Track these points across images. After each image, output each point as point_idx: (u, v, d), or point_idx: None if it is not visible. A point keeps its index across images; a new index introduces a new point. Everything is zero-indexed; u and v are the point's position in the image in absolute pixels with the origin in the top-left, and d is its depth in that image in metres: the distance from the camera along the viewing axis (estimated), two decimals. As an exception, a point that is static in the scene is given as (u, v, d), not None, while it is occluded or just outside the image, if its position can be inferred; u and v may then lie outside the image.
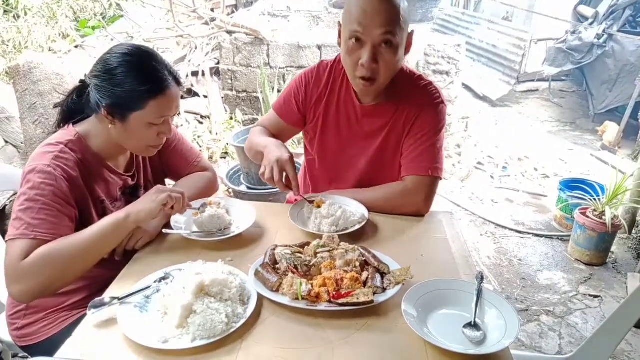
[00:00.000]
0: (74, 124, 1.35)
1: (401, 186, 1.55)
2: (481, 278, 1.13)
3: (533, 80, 6.18)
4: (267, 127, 1.71)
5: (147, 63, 1.27)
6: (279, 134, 1.70)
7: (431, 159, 1.52)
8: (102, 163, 1.36)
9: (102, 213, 1.33)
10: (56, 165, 1.22)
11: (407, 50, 1.46)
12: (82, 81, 1.35)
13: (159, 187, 1.29)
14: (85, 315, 1.05)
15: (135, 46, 1.31)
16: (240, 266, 1.21)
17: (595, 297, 2.65)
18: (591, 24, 5.28)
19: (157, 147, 1.39)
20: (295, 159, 1.47)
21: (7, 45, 4.62)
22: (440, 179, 1.56)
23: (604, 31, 4.97)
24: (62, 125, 1.37)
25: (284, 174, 1.40)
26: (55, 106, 1.41)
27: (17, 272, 1.12)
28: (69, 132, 1.31)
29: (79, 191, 1.28)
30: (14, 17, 5.01)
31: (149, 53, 1.30)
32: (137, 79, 1.24)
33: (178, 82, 1.33)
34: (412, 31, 1.46)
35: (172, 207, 1.28)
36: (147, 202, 1.25)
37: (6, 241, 1.15)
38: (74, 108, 1.37)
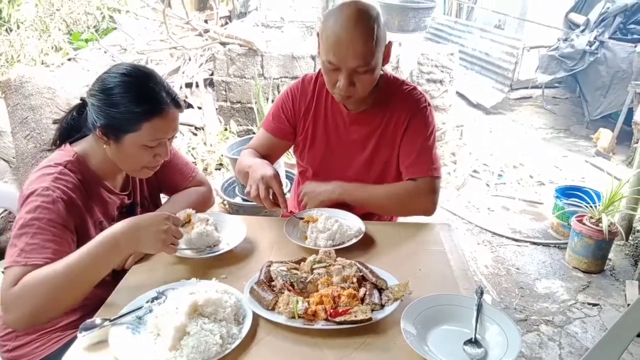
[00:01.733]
0: (70, 142, 1.32)
1: (411, 185, 1.56)
2: (481, 293, 1.11)
3: (526, 88, 6.21)
4: (256, 149, 1.72)
5: (143, 84, 1.24)
6: (270, 152, 1.71)
7: (430, 160, 1.56)
8: (100, 183, 1.34)
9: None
10: (55, 187, 1.18)
11: (385, 61, 1.48)
12: (82, 99, 1.32)
13: (167, 224, 1.17)
14: (78, 336, 1.02)
15: (134, 66, 1.28)
16: (235, 283, 1.18)
17: (594, 305, 2.63)
18: (582, 31, 5.32)
19: (153, 169, 1.36)
20: (290, 170, 1.47)
21: (-1, 59, 4.60)
22: (440, 177, 1.60)
23: (595, 38, 5.00)
24: (58, 143, 1.34)
25: (271, 191, 1.41)
26: (55, 122, 1.39)
27: (6, 301, 1.08)
28: (67, 153, 1.28)
29: (78, 213, 1.24)
30: (6, 30, 4.99)
31: (146, 73, 1.27)
32: (132, 100, 1.21)
33: (177, 104, 1.29)
34: (390, 42, 1.47)
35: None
36: (153, 237, 1.15)
37: (4, 269, 1.11)
38: (73, 125, 1.35)
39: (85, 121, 1.29)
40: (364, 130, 1.60)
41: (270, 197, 1.41)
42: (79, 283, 1.11)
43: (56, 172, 1.22)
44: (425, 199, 1.55)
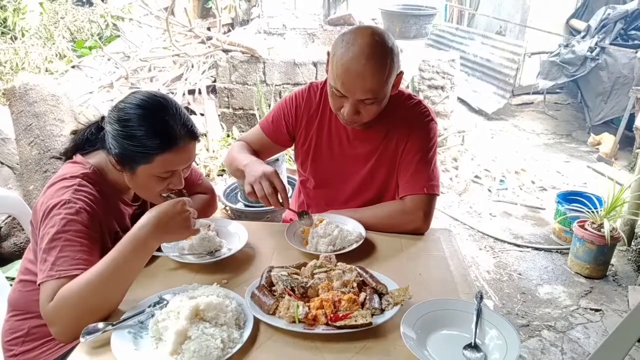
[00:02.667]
0: (82, 154, 1.33)
1: (399, 205, 1.55)
2: (480, 297, 1.12)
3: (528, 94, 6.22)
4: (249, 143, 1.71)
5: (158, 116, 1.23)
6: (262, 151, 1.71)
7: (426, 177, 1.53)
8: (116, 195, 1.35)
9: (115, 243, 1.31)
10: (77, 199, 1.19)
11: (394, 90, 1.46)
12: (102, 117, 1.33)
13: (187, 210, 1.17)
14: (83, 342, 1.03)
15: (151, 96, 1.26)
16: (237, 288, 1.19)
17: (597, 310, 2.62)
18: (583, 37, 5.34)
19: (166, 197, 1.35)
20: (292, 176, 1.47)
21: (4, 67, 4.64)
22: (437, 195, 1.56)
23: (596, 44, 5.02)
24: (69, 154, 1.34)
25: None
26: (72, 133, 1.39)
27: (46, 316, 1.07)
28: (82, 165, 1.28)
29: (99, 224, 1.25)
30: (11, 38, 5.04)
31: (162, 105, 1.25)
32: (145, 134, 1.20)
33: (193, 135, 1.28)
34: (401, 72, 1.44)
35: None
36: (180, 227, 1.15)
37: (38, 285, 1.12)
38: (89, 139, 1.35)
39: (103, 140, 1.29)
40: (367, 145, 1.59)
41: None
42: (114, 287, 1.11)
43: (75, 184, 1.21)
44: (416, 218, 1.51)
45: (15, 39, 4.99)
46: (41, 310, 1.09)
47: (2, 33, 5.10)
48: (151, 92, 1.29)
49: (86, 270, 1.10)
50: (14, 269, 2.37)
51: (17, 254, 2.54)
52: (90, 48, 5.51)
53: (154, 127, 1.21)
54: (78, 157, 1.31)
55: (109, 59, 4.86)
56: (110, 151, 1.25)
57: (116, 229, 1.34)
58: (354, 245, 1.38)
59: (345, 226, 1.45)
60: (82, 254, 1.13)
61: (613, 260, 2.97)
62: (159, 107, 1.24)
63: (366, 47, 1.31)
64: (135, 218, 1.41)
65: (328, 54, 1.43)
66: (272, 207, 1.40)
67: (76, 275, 1.09)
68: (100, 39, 5.47)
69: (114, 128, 1.24)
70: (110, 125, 1.25)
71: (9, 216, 2.57)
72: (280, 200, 1.39)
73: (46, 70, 4.70)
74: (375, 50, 1.31)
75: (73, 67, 4.93)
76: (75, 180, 1.22)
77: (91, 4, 5.74)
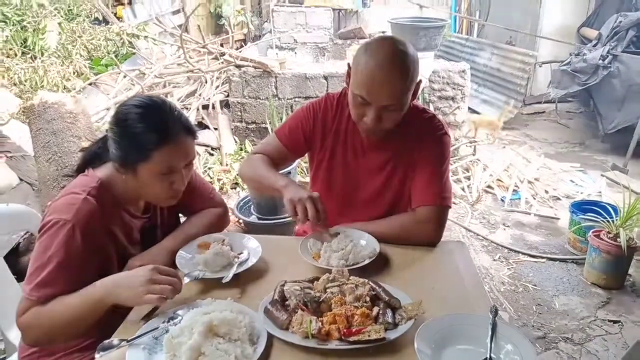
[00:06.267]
0: (93, 167, 1.37)
1: (411, 216, 1.57)
2: (495, 312, 1.11)
3: (539, 103, 6.18)
4: (267, 155, 1.71)
5: (153, 114, 1.28)
6: (281, 161, 1.73)
7: (439, 188, 1.54)
8: (123, 208, 1.38)
9: (123, 258, 1.34)
10: (78, 220, 1.22)
11: (413, 97, 1.49)
12: (107, 130, 1.38)
13: (150, 274, 1.15)
14: (98, 356, 1.05)
15: (147, 98, 1.33)
16: (250, 303, 1.20)
17: (615, 322, 2.58)
18: (595, 45, 5.30)
19: (174, 198, 1.38)
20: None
21: (25, 85, 4.77)
22: (449, 207, 1.57)
23: (608, 52, 4.98)
24: (81, 169, 1.39)
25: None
26: (81, 150, 1.44)
27: (19, 327, 1.22)
28: (91, 179, 1.32)
29: (101, 242, 1.28)
30: (31, 57, 5.19)
31: (157, 103, 1.31)
32: (142, 130, 1.25)
33: (190, 132, 1.33)
34: (420, 80, 1.48)
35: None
36: (132, 291, 1.14)
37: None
38: (97, 154, 1.40)
39: (109, 151, 1.33)
40: (382, 156, 1.61)
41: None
42: (73, 327, 1.21)
43: (79, 200, 1.24)
44: (428, 229, 1.53)
45: (35, 58, 5.13)
46: (16, 318, 1.21)
47: (23, 53, 5.24)
48: (148, 95, 1.34)
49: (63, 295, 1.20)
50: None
51: (35, 269, 2.58)
52: (106, 65, 5.63)
53: (150, 123, 1.26)
54: (89, 171, 1.36)
55: (125, 76, 4.96)
56: (113, 156, 1.29)
57: (124, 243, 1.36)
58: (367, 261, 1.37)
59: (359, 241, 1.45)
60: (64, 281, 1.19)
61: (631, 270, 2.92)
62: (154, 105, 1.30)
63: (390, 55, 1.37)
64: (145, 230, 1.44)
65: (349, 65, 1.47)
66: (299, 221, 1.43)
67: (50, 301, 1.19)
68: (116, 56, 5.59)
69: (113, 131, 1.29)
70: (111, 129, 1.30)
71: (27, 232, 2.62)
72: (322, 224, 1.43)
73: (64, 88, 4.81)
74: (399, 58, 1.38)
75: (90, 84, 5.05)
76: (81, 196, 1.25)
77: (107, 23, 5.88)
